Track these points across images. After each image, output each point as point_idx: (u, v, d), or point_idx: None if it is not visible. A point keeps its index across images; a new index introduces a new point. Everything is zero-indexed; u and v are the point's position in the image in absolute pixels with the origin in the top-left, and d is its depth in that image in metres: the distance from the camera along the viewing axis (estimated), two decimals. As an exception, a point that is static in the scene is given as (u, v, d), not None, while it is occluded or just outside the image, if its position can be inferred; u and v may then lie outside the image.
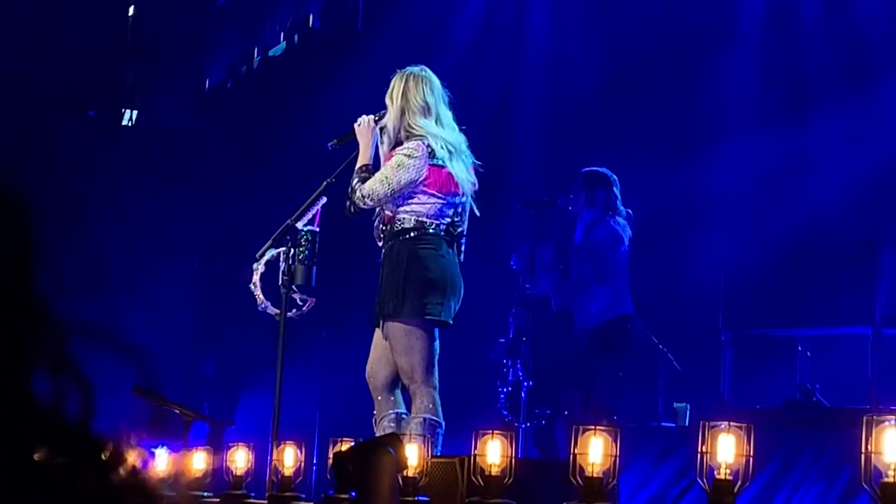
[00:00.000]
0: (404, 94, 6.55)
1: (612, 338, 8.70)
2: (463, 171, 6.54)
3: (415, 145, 6.47)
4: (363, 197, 6.48)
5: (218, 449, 6.76)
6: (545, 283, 9.00)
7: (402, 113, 6.54)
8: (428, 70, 6.66)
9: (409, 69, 6.64)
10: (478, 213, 6.65)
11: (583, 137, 10.95)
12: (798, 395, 8.75)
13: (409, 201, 6.50)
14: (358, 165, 6.64)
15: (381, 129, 6.67)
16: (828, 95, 10.02)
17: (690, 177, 10.38)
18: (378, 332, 6.62)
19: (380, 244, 6.67)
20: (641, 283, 9.10)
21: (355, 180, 6.56)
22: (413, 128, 6.51)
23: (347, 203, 6.58)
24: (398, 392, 6.58)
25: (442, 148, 6.47)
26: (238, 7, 13.92)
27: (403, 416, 6.51)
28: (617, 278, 8.73)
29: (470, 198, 6.61)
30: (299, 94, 12.50)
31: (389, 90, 6.62)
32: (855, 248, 9.12)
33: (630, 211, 8.87)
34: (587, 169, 8.93)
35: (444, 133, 6.52)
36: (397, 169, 6.44)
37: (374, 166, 6.64)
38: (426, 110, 6.54)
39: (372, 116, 6.71)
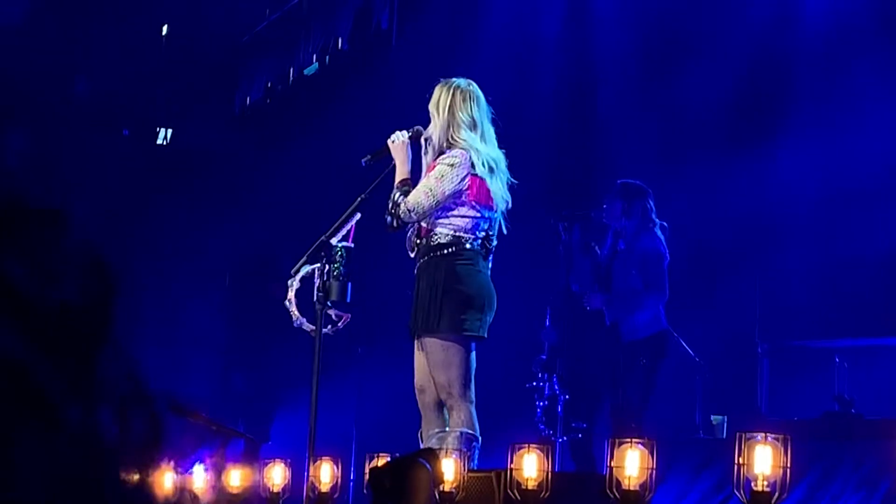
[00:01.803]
0: (451, 108, 6.54)
1: (653, 352, 8.69)
2: (500, 189, 6.55)
3: (457, 153, 6.47)
4: (408, 211, 6.48)
5: (254, 466, 6.78)
6: (597, 299, 8.96)
7: (448, 125, 6.54)
8: (474, 84, 6.65)
9: (456, 81, 6.62)
10: (505, 230, 6.64)
11: (615, 149, 10.93)
12: (836, 406, 8.71)
13: (449, 213, 6.49)
14: (398, 180, 6.63)
15: (426, 140, 6.66)
16: (867, 98, 9.95)
17: (726, 186, 10.34)
18: (417, 348, 6.61)
19: (412, 255, 6.66)
20: (677, 295, 9.07)
21: (398, 194, 6.55)
22: (457, 140, 6.51)
23: (389, 218, 6.57)
24: (446, 408, 6.56)
25: (483, 165, 6.47)
26: (272, 28, 13.97)
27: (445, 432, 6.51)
28: (663, 290, 8.73)
29: (502, 215, 6.61)
30: (331, 113, 12.53)
31: (435, 99, 6.60)
32: (893, 257, 9.08)
33: (665, 224, 8.86)
34: (623, 181, 8.92)
35: (486, 149, 6.52)
36: (441, 179, 6.44)
37: (413, 180, 6.63)
38: (473, 125, 6.54)
39: (406, 132, 6.71)
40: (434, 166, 6.53)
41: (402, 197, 6.52)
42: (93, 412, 1.30)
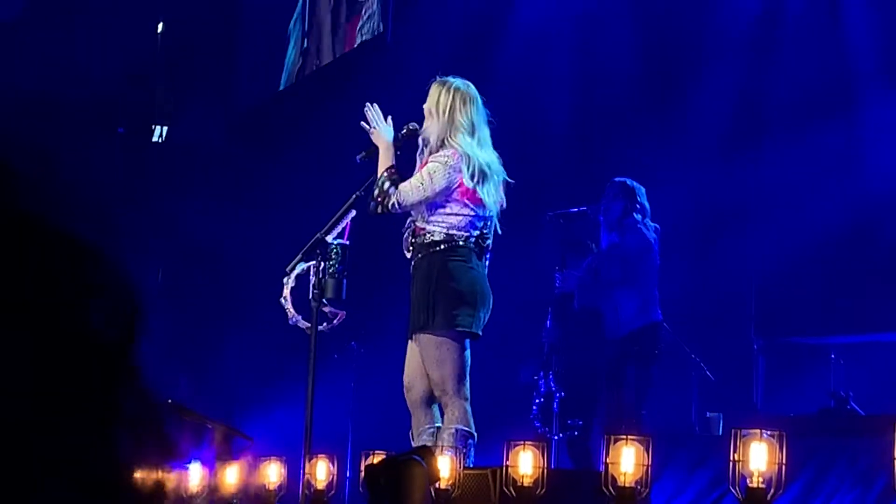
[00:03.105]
0: (451, 111, 6.52)
1: (642, 346, 8.67)
2: (493, 195, 6.53)
3: (450, 153, 6.46)
4: (397, 202, 6.48)
5: (233, 461, 6.77)
6: (571, 282, 8.99)
7: (447, 128, 6.52)
8: (472, 86, 6.63)
9: (455, 82, 6.60)
10: (500, 230, 6.63)
11: (613, 146, 10.93)
12: (832, 402, 8.71)
13: (441, 211, 6.49)
14: (386, 167, 6.61)
15: (424, 141, 6.64)
16: (864, 98, 9.96)
17: (721, 184, 10.35)
18: (411, 346, 6.61)
19: (408, 255, 6.66)
20: (673, 292, 9.07)
21: (387, 184, 6.53)
22: (454, 144, 6.50)
23: (374, 204, 6.56)
24: (436, 406, 6.57)
25: (473, 176, 6.45)
26: (268, 23, 13.97)
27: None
28: (646, 285, 8.70)
29: (496, 214, 6.60)
30: (329, 110, 12.53)
31: (434, 99, 6.57)
32: (888, 254, 9.08)
33: (657, 226, 8.86)
34: (615, 179, 8.94)
35: (481, 154, 6.51)
36: (433, 175, 6.44)
37: (405, 177, 6.62)
38: (472, 130, 6.54)
39: (374, 114, 6.69)
40: (426, 162, 6.53)
41: (392, 187, 6.51)
42: (111, 437, 1.34)
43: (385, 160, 6.65)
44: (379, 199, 6.54)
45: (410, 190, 6.47)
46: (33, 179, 1.40)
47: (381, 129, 6.70)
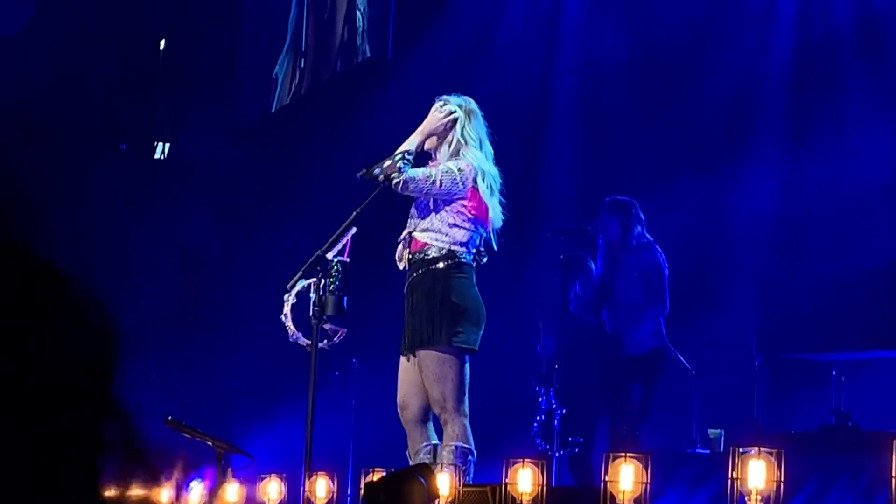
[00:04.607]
0: (459, 127, 6.57)
1: (654, 366, 8.79)
2: (497, 209, 6.56)
3: (464, 164, 6.49)
4: (405, 181, 6.44)
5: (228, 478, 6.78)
6: (602, 313, 9.03)
7: (457, 143, 6.55)
8: (472, 101, 6.68)
9: (458, 99, 6.64)
10: (496, 246, 6.64)
11: (612, 162, 10.93)
12: (833, 419, 8.70)
13: (445, 224, 6.47)
14: (412, 147, 6.60)
15: (435, 159, 6.66)
16: (865, 106, 9.96)
17: (722, 198, 10.35)
18: (404, 363, 6.59)
19: (400, 267, 6.64)
20: (674, 307, 9.08)
21: (402, 162, 6.51)
22: (468, 157, 6.51)
23: (379, 171, 6.51)
24: (430, 423, 6.56)
25: (488, 187, 6.49)
26: (269, 39, 13.99)
27: (439, 446, 6.49)
28: (664, 304, 8.81)
29: (494, 232, 6.62)
30: (329, 127, 12.54)
31: (439, 118, 6.62)
32: (890, 270, 9.07)
33: (652, 239, 8.92)
34: (612, 197, 8.97)
35: (491, 168, 6.55)
36: (446, 174, 6.45)
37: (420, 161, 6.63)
38: (479, 145, 6.58)
39: (449, 108, 6.66)
40: (440, 163, 6.55)
41: (406, 167, 6.49)
42: (94, 464, 1.35)
43: (412, 142, 6.61)
44: (388, 170, 6.50)
45: (418, 178, 6.46)
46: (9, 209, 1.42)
47: (438, 115, 6.66)
